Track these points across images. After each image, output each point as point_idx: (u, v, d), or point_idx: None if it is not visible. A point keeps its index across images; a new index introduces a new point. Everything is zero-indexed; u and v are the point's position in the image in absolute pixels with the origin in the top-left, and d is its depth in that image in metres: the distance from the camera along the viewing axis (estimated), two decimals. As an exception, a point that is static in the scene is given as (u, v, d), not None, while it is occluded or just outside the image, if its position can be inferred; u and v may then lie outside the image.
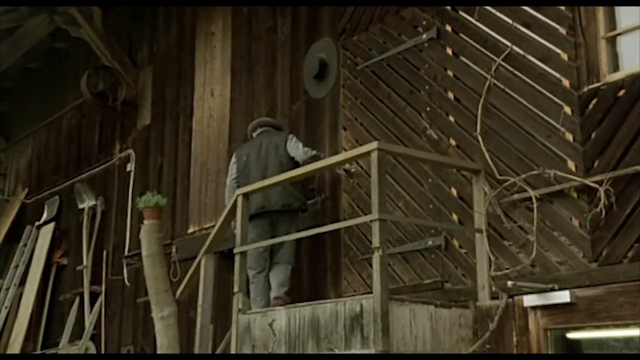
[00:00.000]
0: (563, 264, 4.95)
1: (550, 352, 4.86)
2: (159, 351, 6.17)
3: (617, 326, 4.56)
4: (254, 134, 6.95)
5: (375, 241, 4.98)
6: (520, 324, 5.04)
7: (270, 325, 5.50)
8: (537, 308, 4.94)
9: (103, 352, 9.52)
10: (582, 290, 4.71)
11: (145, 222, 6.26)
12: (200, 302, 6.48)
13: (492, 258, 5.32)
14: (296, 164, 6.38)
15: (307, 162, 6.24)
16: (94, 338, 9.73)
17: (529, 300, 4.96)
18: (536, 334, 4.93)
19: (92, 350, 9.63)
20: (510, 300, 5.13)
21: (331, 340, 5.09)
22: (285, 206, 6.48)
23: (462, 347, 5.20)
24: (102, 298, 9.80)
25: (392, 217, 5.83)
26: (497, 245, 5.38)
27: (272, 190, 6.34)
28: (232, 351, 5.87)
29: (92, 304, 9.91)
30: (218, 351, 6.58)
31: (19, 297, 11.16)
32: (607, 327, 4.62)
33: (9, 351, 10.62)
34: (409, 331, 5.00)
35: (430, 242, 5.93)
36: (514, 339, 5.05)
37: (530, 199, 5.14)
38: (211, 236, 6.55)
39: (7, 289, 11.35)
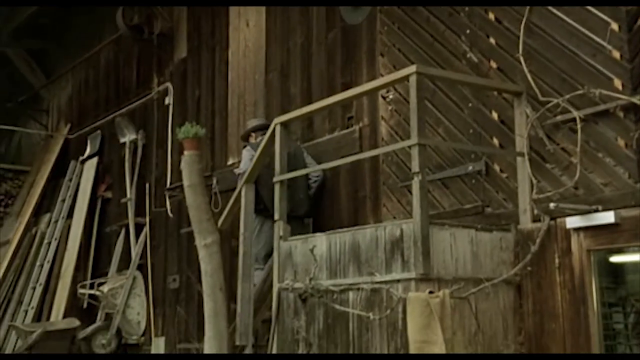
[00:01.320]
0: (608, 185, 4.86)
1: (592, 274, 4.83)
2: (203, 278, 6.31)
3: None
4: (258, 139, 7.16)
5: (415, 166, 4.95)
6: (563, 246, 5.00)
7: (312, 251, 5.56)
8: (580, 230, 4.89)
9: (150, 281, 9.80)
10: (627, 210, 4.64)
11: (186, 152, 6.29)
12: (242, 230, 6.58)
13: (534, 181, 5.25)
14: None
15: (316, 182, 7.05)
16: (141, 268, 10.02)
17: (572, 222, 4.91)
18: (579, 256, 4.90)
19: (140, 279, 9.92)
20: (552, 222, 5.08)
21: (372, 265, 5.14)
22: (306, 212, 6.99)
23: (503, 270, 5.21)
24: (146, 229, 10.03)
25: (431, 142, 5.78)
26: (539, 169, 5.30)
27: (298, 196, 6.80)
28: (275, 277, 5.98)
29: (137, 235, 10.16)
30: (261, 278, 6.70)
31: (67, 229, 11.50)
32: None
33: (61, 281, 11.01)
34: (450, 255, 5.01)
35: (470, 168, 5.87)
36: (556, 260, 5.03)
37: (574, 120, 5.01)
38: (250, 166, 6.59)
39: (56, 221, 11.69)
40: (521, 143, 5.41)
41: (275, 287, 5.96)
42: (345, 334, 5.26)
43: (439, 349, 4.53)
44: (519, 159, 5.42)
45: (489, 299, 5.10)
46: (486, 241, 5.23)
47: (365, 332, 5.11)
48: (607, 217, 4.69)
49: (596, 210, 4.80)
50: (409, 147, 5.07)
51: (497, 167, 5.69)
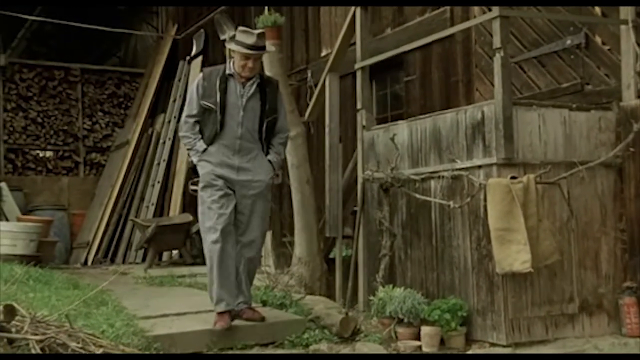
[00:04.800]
0: None
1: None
2: (290, 171, 6.27)
3: None
4: (232, 63, 4.79)
5: (496, 41, 4.52)
6: (670, 123, 4.44)
7: (392, 139, 5.32)
8: (690, 104, 4.30)
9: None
10: None
11: (266, 42, 6.11)
12: (327, 121, 6.41)
13: (638, 51, 4.64)
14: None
15: (282, 144, 4.94)
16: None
17: (680, 95, 4.32)
18: (687, 134, 4.34)
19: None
20: (659, 97, 4.51)
21: (452, 151, 4.84)
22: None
23: (602, 152, 4.73)
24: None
25: (516, 13, 5.22)
26: (645, 37, 4.68)
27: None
28: (359, 168, 5.82)
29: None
30: (348, 170, 6.54)
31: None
32: None
33: (176, 179, 11.43)
34: (538, 137, 4.60)
35: (569, 42, 5.30)
36: (662, 140, 4.49)
37: (686, -24, 4.32)
38: (333, 54, 6.32)
39: (169, 122, 12.05)
40: (625, 10, 4.76)
41: (360, 178, 5.81)
42: (428, 224, 5.06)
43: (521, 237, 4.24)
44: (622, 27, 4.79)
45: (584, 184, 4.68)
46: (582, 122, 4.74)
47: (447, 221, 4.89)
48: None
49: None
50: (491, 19, 4.60)
51: (598, 39, 5.10)
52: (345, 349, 4.82)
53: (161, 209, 11.77)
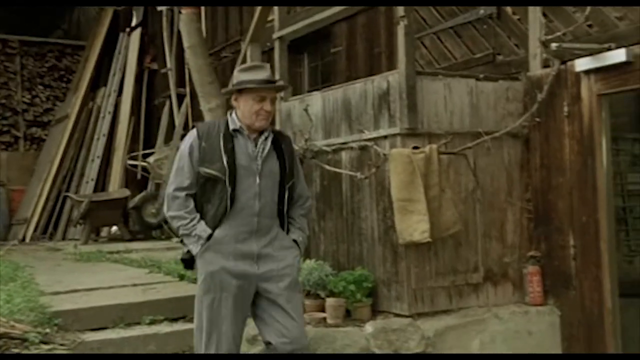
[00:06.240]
0: (623, 19, 4.20)
1: (602, 122, 4.29)
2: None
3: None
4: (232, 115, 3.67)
5: (400, 10, 4.45)
6: (572, 92, 4.45)
7: (306, 110, 5.25)
8: (591, 72, 4.31)
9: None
10: (640, 47, 4.02)
11: (183, 11, 5.97)
12: (249, 93, 6.30)
13: (543, 21, 4.63)
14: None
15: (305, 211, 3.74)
16: (186, 138, 10.02)
17: (582, 64, 4.33)
18: (588, 102, 4.35)
19: (185, 149, 9.94)
20: (562, 66, 4.51)
21: (361, 122, 4.79)
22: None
23: (510, 122, 4.73)
24: (187, 100, 9.95)
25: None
26: (552, 8, 4.66)
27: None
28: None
29: (179, 106, 10.12)
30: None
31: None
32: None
33: (116, 154, 11.26)
34: (444, 107, 4.57)
35: (482, 11, 5.28)
36: (565, 109, 4.49)
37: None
38: (252, 25, 6.20)
39: (109, 95, 11.83)
40: (534, -22, 4.75)
41: (277, 149, 5.73)
42: (339, 196, 5.03)
43: (422, 207, 4.22)
44: (530, -4, 4.78)
45: (490, 154, 4.67)
46: (489, 92, 4.73)
47: (356, 192, 4.86)
48: (619, 55, 4.08)
49: (609, 49, 4.18)
50: (397, -12, 4.54)
51: (509, 9, 5.07)
52: (252, 322, 4.79)
53: (102, 184, 11.61)
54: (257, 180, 3.46)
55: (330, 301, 4.49)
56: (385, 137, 4.55)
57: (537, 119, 4.66)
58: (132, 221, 9.90)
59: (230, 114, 3.58)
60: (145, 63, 11.38)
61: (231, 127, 3.50)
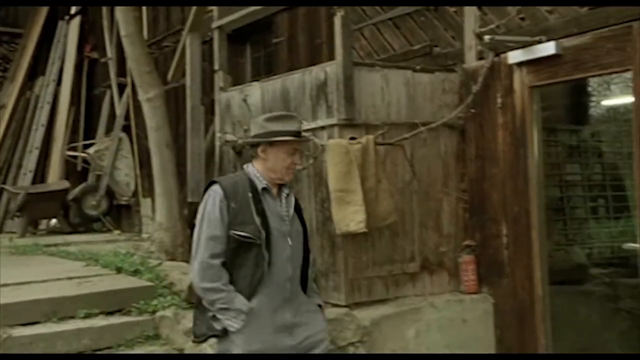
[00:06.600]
0: (553, 12, 4.29)
1: (533, 114, 4.38)
2: (149, 134, 6.08)
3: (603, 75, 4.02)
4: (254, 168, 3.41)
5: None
6: (505, 84, 4.53)
7: (245, 101, 5.22)
8: (523, 65, 4.39)
9: (135, 142, 9.67)
10: (569, 40, 4.11)
11: (120, -1, 5.86)
12: (188, 83, 6.23)
13: (477, 13, 4.70)
14: None
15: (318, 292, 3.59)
16: (127, 129, 9.86)
17: (515, 56, 4.41)
18: (521, 94, 4.44)
19: (126, 140, 9.80)
20: (496, 59, 4.58)
21: (300, 112, 4.78)
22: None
23: (446, 113, 4.79)
24: (128, 90, 9.77)
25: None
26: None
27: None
28: (217, 130, 5.69)
29: (120, 96, 9.93)
30: (210, 133, 6.41)
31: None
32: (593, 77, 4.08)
33: (55, 145, 10.99)
34: (381, 99, 4.60)
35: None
36: (498, 100, 4.58)
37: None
38: (191, 14, 6.13)
39: (47, 85, 11.51)
40: (469, -29, 4.81)
41: (217, 141, 5.69)
42: (278, 186, 5.01)
43: (358, 198, 4.24)
44: (466, -12, 4.84)
45: (427, 145, 4.73)
46: (426, 83, 4.78)
47: (295, 183, 4.83)
48: (549, 48, 4.17)
49: (539, 42, 4.27)
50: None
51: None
52: (190, 314, 4.74)
53: (41, 176, 11.31)
54: (289, 242, 3.24)
55: (267, 292, 4.48)
56: (323, 127, 4.55)
57: (473, 111, 4.74)
58: (72, 213, 9.70)
59: (254, 169, 3.28)
60: (85, 52, 11.11)
61: (259, 186, 3.23)
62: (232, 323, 3.10)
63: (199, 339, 3.32)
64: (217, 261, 3.11)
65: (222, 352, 3.19)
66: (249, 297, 3.12)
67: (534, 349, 4.36)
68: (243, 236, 3.11)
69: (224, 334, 3.14)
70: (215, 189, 3.19)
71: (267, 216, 3.18)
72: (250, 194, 3.18)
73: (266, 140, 3.22)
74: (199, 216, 3.19)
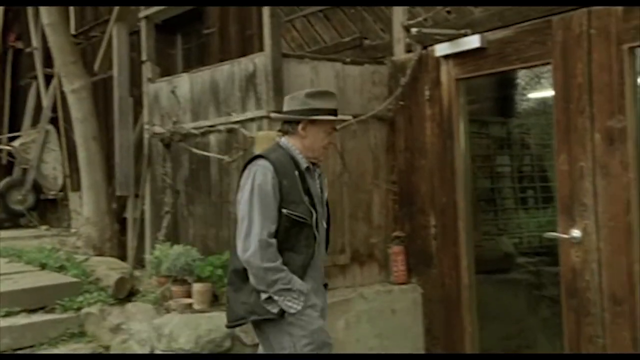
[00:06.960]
0: (478, 5, 4.36)
1: (460, 106, 4.45)
2: (74, 126, 5.91)
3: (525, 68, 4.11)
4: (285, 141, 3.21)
5: (264, -9, 4.41)
6: (433, 77, 4.59)
7: (173, 92, 5.13)
8: (449, 57, 4.45)
9: (64, 135, 9.37)
10: (493, 33, 4.18)
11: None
12: (115, 74, 6.08)
13: (406, 6, 4.74)
14: None
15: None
16: (55, 121, 9.56)
17: (441, 49, 4.46)
18: (447, 86, 4.50)
19: (53, 133, 9.51)
20: (424, 51, 4.63)
21: (229, 104, 4.73)
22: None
23: (375, 105, 4.81)
24: (55, 81, 9.46)
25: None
26: (415, -7, 4.79)
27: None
28: (145, 123, 5.58)
29: (47, 87, 9.62)
30: (139, 125, 6.27)
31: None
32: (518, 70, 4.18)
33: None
34: (310, 90, 4.57)
35: (350, -5, 5.32)
36: (426, 92, 4.63)
37: None
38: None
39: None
40: (397, -37, 4.84)
41: (145, 133, 5.58)
42: (208, 180, 4.95)
43: (288, 190, 4.21)
44: (392, -18, 4.87)
45: (357, 137, 4.74)
46: (355, 75, 4.79)
47: (225, 176, 4.80)
48: (473, 41, 4.24)
49: (465, 35, 4.33)
50: (261, -31, 4.49)
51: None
52: (116, 310, 4.65)
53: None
54: (324, 223, 3.16)
55: (197, 286, 4.42)
56: (252, 119, 4.52)
57: (402, 103, 4.78)
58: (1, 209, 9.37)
59: (283, 143, 3.09)
60: (9, 41, 10.71)
61: (302, 164, 3.05)
62: (292, 304, 2.92)
63: (237, 322, 3.09)
64: (274, 240, 2.92)
65: (279, 335, 2.99)
66: (301, 279, 2.97)
67: (460, 337, 4.44)
68: (298, 216, 2.95)
69: (279, 316, 2.94)
70: (264, 164, 2.97)
71: (313, 196, 3.04)
72: (297, 172, 3.01)
73: (308, 117, 3.05)
74: (246, 191, 2.95)
